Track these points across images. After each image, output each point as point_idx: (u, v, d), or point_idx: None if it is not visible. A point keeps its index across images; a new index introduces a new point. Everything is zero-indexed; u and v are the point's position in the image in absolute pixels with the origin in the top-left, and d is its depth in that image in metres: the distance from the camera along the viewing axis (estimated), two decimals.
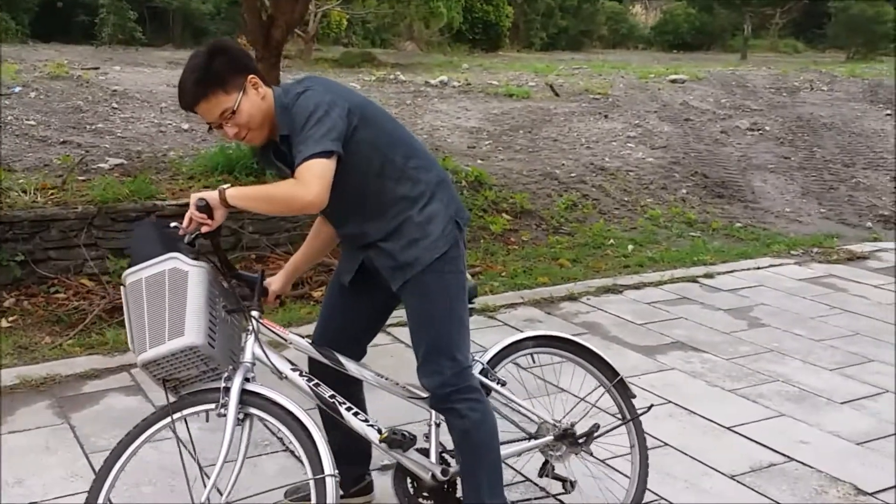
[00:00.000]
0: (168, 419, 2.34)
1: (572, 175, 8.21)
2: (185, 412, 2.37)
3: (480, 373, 2.69)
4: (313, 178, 2.23)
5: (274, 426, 2.37)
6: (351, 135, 2.34)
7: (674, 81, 13.18)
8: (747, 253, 6.59)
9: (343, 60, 18.84)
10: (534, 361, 2.88)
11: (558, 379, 3.30)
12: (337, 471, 2.28)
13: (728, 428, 3.69)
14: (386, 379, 2.64)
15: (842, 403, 3.97)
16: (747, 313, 5.23)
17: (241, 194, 2.31)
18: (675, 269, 6.11)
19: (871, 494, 3.18)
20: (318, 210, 2.33)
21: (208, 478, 2.31)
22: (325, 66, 17.55)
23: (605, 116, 10.75)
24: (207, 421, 2.36)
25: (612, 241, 6.76)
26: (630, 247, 6.62)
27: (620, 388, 2.93)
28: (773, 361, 4.46)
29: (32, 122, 8.56)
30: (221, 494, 2.28)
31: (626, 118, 10.68)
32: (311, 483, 2.27)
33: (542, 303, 5.31)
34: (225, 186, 2.31)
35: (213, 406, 2.33)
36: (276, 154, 2.47)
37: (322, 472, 2.26)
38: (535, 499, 3.04)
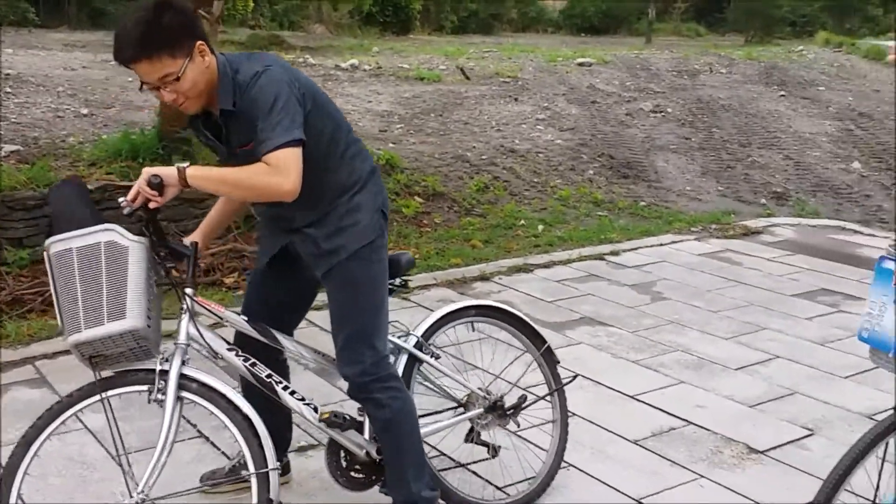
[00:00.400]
0: (97, 397, 2.27)
1: (483, 157, 8.34)
2: (116, 391, 2.30)
3: (415, 345, 2.74)
4: (290, 167, 2.20)
5: (212, 414, 2.33)
6: (304, 119, 2.30)
7: (581, 65, 13.46)
8: (650, 231, 6.85)
9: (250, 43, 18.45)
10: (473, 329, 2.99)
11: (492, 352, 3.42)
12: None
13: (632, 397, 3.88)
14: (323, 356, 2.63)
15: (736, 370, 4.21)
16: (650, 288, 5.45)
17: (204, 175, 2.23)
18: (583, 247, 6.31)
19: (762, 452, 3.40)
20: (292, 199, 2.25)
21: (128, 465, 2.31)
22: (231, 48, 17.18)
23: (515, 99, 10.92)
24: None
25: (522, 221, 6.91)
26: (540, 227, 6.79)
27: (548, 356, 3.05)
28: (673, 333, 4.68)
29: None
30: (138, 485, 2.26)
31: (536, 101, 10.88)
32: (254, 477, 2.26)
33: (455, 283, 5.41)
34: (183, 165, 2.22)
35: (144, 387, 2.28)
36: (205, 124, 2.41)
37: (266, 465, 2.27)
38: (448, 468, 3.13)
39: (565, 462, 3.24)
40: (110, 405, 2.28)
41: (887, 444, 2.24)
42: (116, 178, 5.51)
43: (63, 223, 2.26)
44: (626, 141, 9.57)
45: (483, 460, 3.04)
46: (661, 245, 6.45)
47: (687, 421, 3.65)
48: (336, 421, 2.52)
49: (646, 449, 3.42)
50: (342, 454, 2.65)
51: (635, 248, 6.32)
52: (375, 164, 2.63)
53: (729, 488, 3.14)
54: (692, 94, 11.97)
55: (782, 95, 12.19)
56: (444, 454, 3.21)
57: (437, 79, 12.00)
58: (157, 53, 2.18)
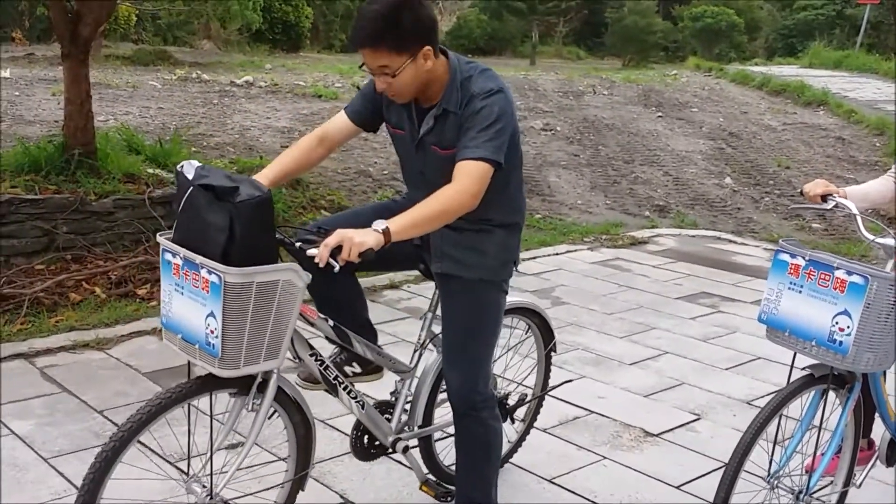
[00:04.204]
0: (207, 394, 2.34)
1: (385, 172, 8.58)
2: (219, 393, 2.38)
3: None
4: (479, 180, 2.33)
5: (279, 416, 2.51)
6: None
7: None
8: (547, 241, 7.26)
9: (137, 58, 18.05)
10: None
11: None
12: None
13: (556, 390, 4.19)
14: (384, 357, 2.82)
15: (630, 364, 4.60)
16: (550, 293, 5.83)
17: (405, 225, 2.28)
18: None
19: (656, 435, 3.78)
20: (471, 209, 2.36)
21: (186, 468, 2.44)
22: (116, 63, 16.79)
23: None
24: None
25: None
26: None
27: (548, 358, 3.41)
28: (573, 333, 5.05)
29: None
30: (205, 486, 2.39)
31: None
32: (291, 481, 2.56)
33: (366, 291, 5.59)
34: (384, 225, 2.22)
35: (234, 389, 2.37)
36: (403, 109, 2.52)
37: (306, 467, 2.58)
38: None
39: None
40: (212, 403, 2.38)
41: (780, 416, 2.59)
42: (22, 192, 5.44)
43: (251, 250, 2.18)
44: None
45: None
46: (558, 254, 6.86)
47: (589, 410, 3.99)
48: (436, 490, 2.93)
49: (554, 436, 3.73)
50: (366, 436, 2.88)
51: (534, 258, 6.70)
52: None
53: (629, 467, 3.48)
54: (578, 113, 12.61)
55: (660, 116, 13.00)
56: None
57: (333, 96, 12.18)
58: (382, 47, 2.31)
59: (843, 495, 2.85)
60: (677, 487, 3.33)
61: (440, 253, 2.65)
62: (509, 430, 3.32)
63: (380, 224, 2.24)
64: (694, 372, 4.52)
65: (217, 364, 2.21)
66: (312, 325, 2.58)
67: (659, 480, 3.38)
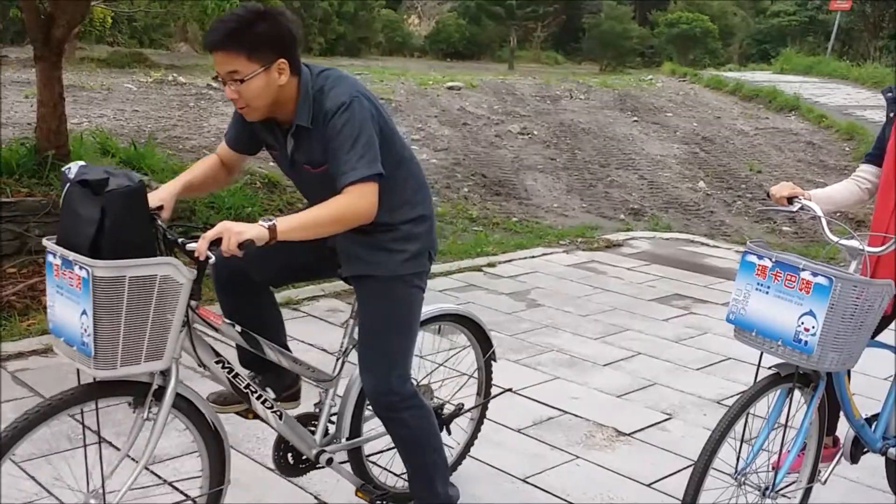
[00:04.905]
0: (91, 402, 2.25)
1: None
2: (108, 401, 2.27)
3: None
4: (370, 197, 2.33)
5: (187, 429, 2.43)
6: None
7: (451, 88, 14.00)
8: (523, 244, 7.30)
9: (112, 60, 17.96)
10: (440, 333, 3.23)
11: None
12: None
13: (514, 392, 4.23)
14: (301, 365, 2.71)
15: (604, 366, 4.65)
16: (526, 296, 5.87)
17: (293, 226, 2.25)
18: (461, 260, 6.67)
19: (629, 435, 3.82)
20: (370, 221, 2.38)
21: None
22: (91, 65, 16.69)
23: None
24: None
25: None
26: None
27: (488, 365, 3.30)
28: (548, 335, 5.09)
29: None
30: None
31: (410, 122, 11.26)
32: (205, 497, 2.46)
33: (342, 294, 5.63)
34: (271, 221, 2.22)
35: (131, 398, 2.28)
36: (267, 129, 2.50)
37: (221, 483, 2.46)
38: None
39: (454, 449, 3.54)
40: (97, 412, 2.28)
41: (748, 416, 2.63)
42: None
43: (121, 242, 2.11)
44: (496, 161, 10.08)
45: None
46: (534, 257, 6.90)
47: (563, 411, 4.04)
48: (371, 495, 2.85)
49: (528, 436, 3.77)
50: (290, 451, 2.77)
51: (510, 260, 6.75)
52: (433, 212, 2.74)
53: (602, 466, 3.53)
54: (555, 118, 12.70)
55: (635, 120, 13.13)
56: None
57: None
58: (235, 50, 2.26)
59: (808, 492, 2.91)
60: (648, 486, 3.38)
61: (347, 255, 2.62)
62: (446, 441, 3.16)
63: (267, 220, 2.22)
64: (666, 372, 4.58)
65: (92, 364, 2.12)
66: (217, 330, 2.47)
67: (631, 479, 3.42)
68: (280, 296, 5.45)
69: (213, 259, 2.18)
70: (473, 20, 34.82)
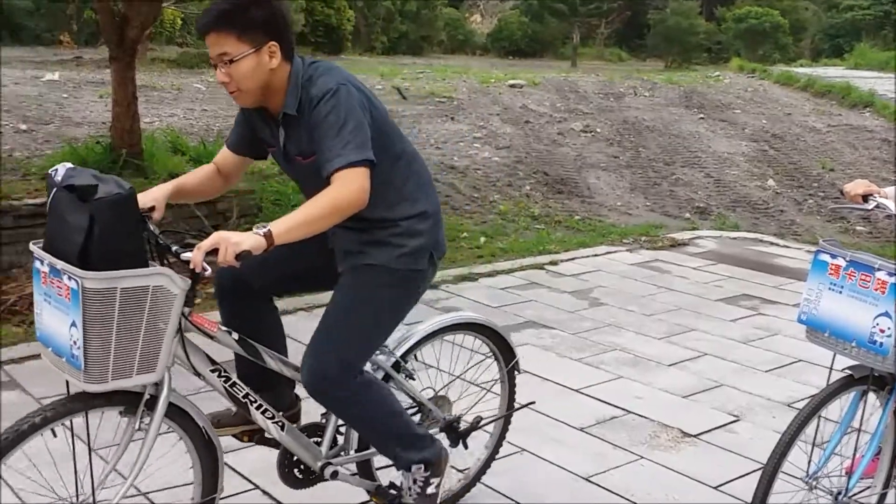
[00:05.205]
0: (81, 412, 2.17)
1: None
2: (102, 410, 2.20)
3: (392, 366, 2.72)
4: (360, 181, 2.23)
5: (181, 439, 2.34)
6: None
7: (513, 86, 13.95)
8: (586, 242, 7.24)
9: (181, 61, 18.41)
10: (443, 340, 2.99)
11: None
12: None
13: (576, 390, 4.20)
14: (298, 371, 2.56)
15: (669, 366, 4.59)
16: (588, 294, 5.82)
17: (288, 228, 2.17)
18: (523, 258, 6.65)
19: (695, 436, 3.76)
20: (362, 207, 2.29)
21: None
22: (162, 66, 17.14)
23: (452, 118, 11.29)
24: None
25: (465, 234, 7.23)
26: (482, 239, 7.12)
27: (511, 375, 3.09)
28: (611, 334, 5.04)
29: None
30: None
31: (471, 120, 11.27)
32: None
33: None
34: (265, 228, 2.14)
35: (121, 407, 2.20)
36: (262, 120, 2.45)
37: (213, 493, 2.36)
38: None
39: (517, 446, 3.54)
40: (87, 422, 2.20)
41: (819, 419, 2.57)
42: None
43: (112, 252, 2.03)
44: (559, 159, 10.02)
45: None
46: (596, 255, 6.84)
47: (626, 410, 3.99)
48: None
49: (590, 434, 3.74)
50: (296, 464, 2.64)
51: (572, 259, 6.70)
52: (438, 210, 2.61)
53: (667, 467, 3.48)
54: (619, 115, 12.55)
55: (701, 118, 12.89)
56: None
57: None
58: (226, 30, 2.24)
59: (883, 497, 2.82)
60: (715, 488, 3.32)
61: (344, 252, 2.52)
62: (462, 456, 3.05)
63: (261, 227, 2.14)
64: (733, 374, 4.49)
65: (82, 378, 2.04)
66: (212, 338, 2.37)
67: (697, 481, 3.36)
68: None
69: (209, 271, 2.09)
70: (536, 17, 34.67)
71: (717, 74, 18.42)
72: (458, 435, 2.94)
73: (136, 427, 2.21)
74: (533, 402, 3.30)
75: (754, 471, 3.32)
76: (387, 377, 2.71)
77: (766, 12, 31.81)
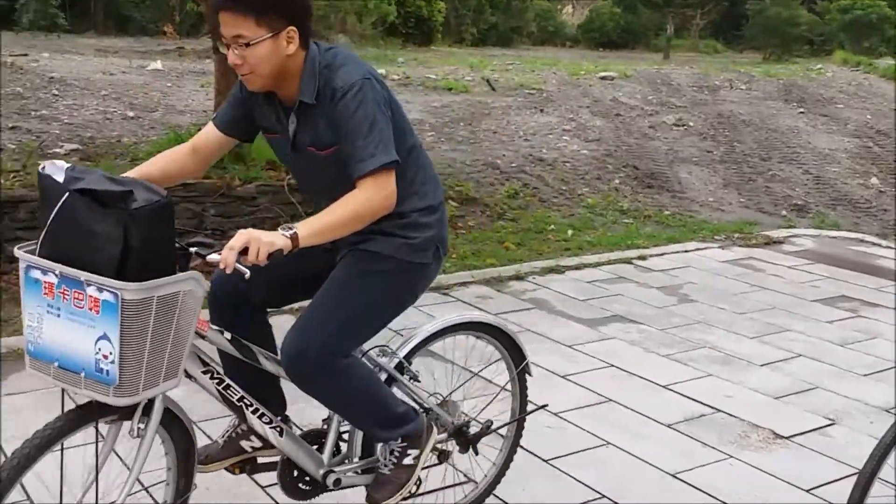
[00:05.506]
0: (92, 424, 2.10)
1: (513, 165, 8.64)
2: (107, 419, 2.12)
3: (396, 367, 2.60)
4: (389, 185, 2.19)
5: (163, 442, 2.27)
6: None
7: (603, 78, 13.77)
8: (676, 238, 7.12)
9: None
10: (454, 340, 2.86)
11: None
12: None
13: (663, 386, 4.15)
14: None
15: (761, 366, 4.48)
16: (677, 290, 5.73)
17: (315, 231, 2.10)
18: (611, 252, 6.59)
19: (787, 438, 3.67)
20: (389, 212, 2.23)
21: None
22: None
23: (541, 110, 11.23)
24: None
25: (552, 226, 7.21)
26: (569, 232, 7.09)
27: (521, 378, 2.91)
28: (700, 331, 4.96)
29: None
30: None
31: (561, 112, 11.19)
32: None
33: (491, 281, 5.70)
34: (292, 229, 2.06)
35: (115, 415, 2.11)
36: (271, 108, 2.33)
37: (187, 492, 2.28)
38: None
39: (602, 439, 3.54)
40: (97, 433, 2.13)
41: None
42: None
43: (148, 262, 1.93)
44: (649, 152, 9.86)
45: (430, 466, 2.74)
46: (686, 251, 6.72)
47: (716, 409, 3.93)
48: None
49: (678, 431, 3.70)
50: (297, 472, 2.52)
51: (661, 254, 6.60)
52: (442, 204, 2.52)
53: (757, 467, 3.41)
54: (713, 108, 12.25)
55: (801, 112, 12.44)
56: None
57: (464, 89, 12.34)
58: (243, 12, 2.12)
59: None
60: (807, 491, 3.24)
61: (347, 243, 2.37)
62: (474, 465, 2.91)
63: (287, 229, 2.05)
64: (830, 376, 4.35)
65: (112, 392, 1.97)
66: (203, 338, 2.25)
67: (788, 483, 3.29)
68: None
69: (247, 274, 2.00)
70: (629, 8, 34.04)
71: (818, 67, 17.72)
72: (467, 440, 2.78)
73: (134, 434, 2.11)
74: (546, 406, 3.17)
75: (849, 475, 3.22)
76: (390, 380, 2.59)
77: (874, 3, 30.33)
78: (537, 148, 9.43)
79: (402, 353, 2.64)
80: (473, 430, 2.81)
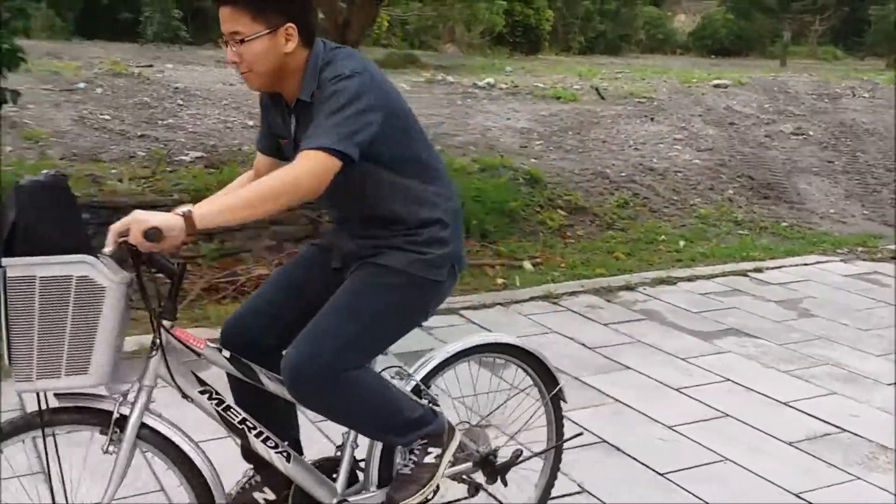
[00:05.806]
0: (38, 431, 2.01)
1: (622, 175, 8.54)
2: (64, 429, 2.03)
3: (413, 390, 2.44)
4: (320, 171, 1.97)
5: (166, 465, 2.17)
6: (370, 142, 2.07)
7: (717, 86, 13.41)
8: (794, 250, 6.87)
9: (387, 62, 19.25)
10: (479, 364, 2.70)
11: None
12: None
13: (784, 403, 4.02)
14: None
15: (888, 385, 4.27)
16: (797, 304, 5.53)
17: (213, 211, 1.90)
18: (725, 263, 6.42)
19: None
20: (313, 198, 2.04)
21: None
22: None
23: (651, 119, 11.05)
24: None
25: (663, 237, 7.08)
26: (681, 243, 6.94)
27: (556, 402, 2.72)
28: (822, 347, 4.77)
29: (107, 117, 9.09)
30: None
31: (672, 121, 10.97)
32: None
33: (601, 291, 5.66)
34: (186, 209, 1.88)
35: (96, 429, 2.05)
36: (278, 111, 2.27)
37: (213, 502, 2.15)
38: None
39: (720, 455, 3.45)
40: (55, 441, 2.03)
41: None
42: None
43: (31, 238, 1.88)
44: (766, 162, 9.55)
45: (462, 499, 2.59)
46: (806, 265, 6.47)
47: (840, 428, 3.77)
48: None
49: (801, 450, 3.57)
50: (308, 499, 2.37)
51: (779, 267, 6.38)
52: (459, 207, 2.39)
53: (887, 490, 3.25)
54: (834, 117, 11.75)
55: None
56: None
57: (572, 98, 12.26)
58: (241, 7, 2.06)
59: None
60: None
61: (356, 258, 2.28)
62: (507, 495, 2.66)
63: (182, 208, 1.88)
64: None
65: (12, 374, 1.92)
66: (199, 355, 2.15)
67: None
68: (540, 288, 5.61)
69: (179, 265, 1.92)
70: (743, 14, 33.06)
71: None
72: (494, 471, 2.58)
73: (105, 449, 2.03)
74: (580, 434, 2.93)
75: None
76: None
77: None
78: (647, 157, 9.27)
79: (419, 375, 2.45)
80: (501, 459, 2.60)
